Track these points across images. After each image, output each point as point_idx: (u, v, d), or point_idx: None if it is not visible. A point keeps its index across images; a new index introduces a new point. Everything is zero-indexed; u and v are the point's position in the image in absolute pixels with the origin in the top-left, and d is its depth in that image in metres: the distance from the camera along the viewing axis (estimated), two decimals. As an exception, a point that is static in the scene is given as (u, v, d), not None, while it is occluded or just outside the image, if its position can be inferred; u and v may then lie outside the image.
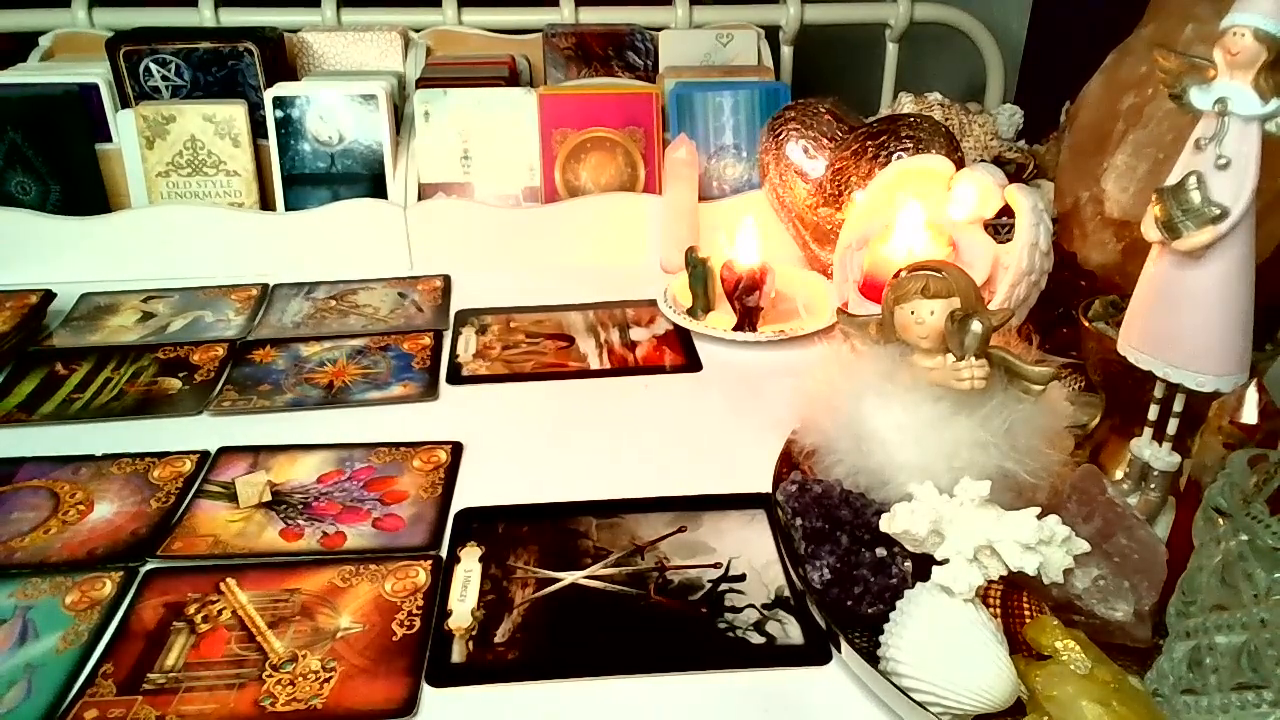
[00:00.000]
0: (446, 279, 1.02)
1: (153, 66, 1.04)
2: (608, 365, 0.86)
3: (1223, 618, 0.46)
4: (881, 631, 0.52)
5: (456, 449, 0.73)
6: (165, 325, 0.93)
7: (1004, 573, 0.50)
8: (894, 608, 0.52)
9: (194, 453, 0.73)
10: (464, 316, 0.95)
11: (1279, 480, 0.47)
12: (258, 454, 0.73)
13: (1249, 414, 0.61)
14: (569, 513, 0.66)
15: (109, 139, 1.05)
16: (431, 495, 0.68)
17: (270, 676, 0.53)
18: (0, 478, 0.70)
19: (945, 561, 0.51)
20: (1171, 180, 0.54)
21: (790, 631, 0.56)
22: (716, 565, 0.61)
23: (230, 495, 0.68)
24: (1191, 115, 0.54)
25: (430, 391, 0.81)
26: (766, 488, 0.66)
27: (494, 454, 0.73)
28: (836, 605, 0.55)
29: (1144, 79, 0.67)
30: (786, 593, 0.59)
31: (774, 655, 0.55)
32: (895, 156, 0.89)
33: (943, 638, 0.49)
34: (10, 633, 0.56)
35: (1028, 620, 0.52)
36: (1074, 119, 0.74)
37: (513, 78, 1.11)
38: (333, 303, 0.97)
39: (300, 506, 0.67)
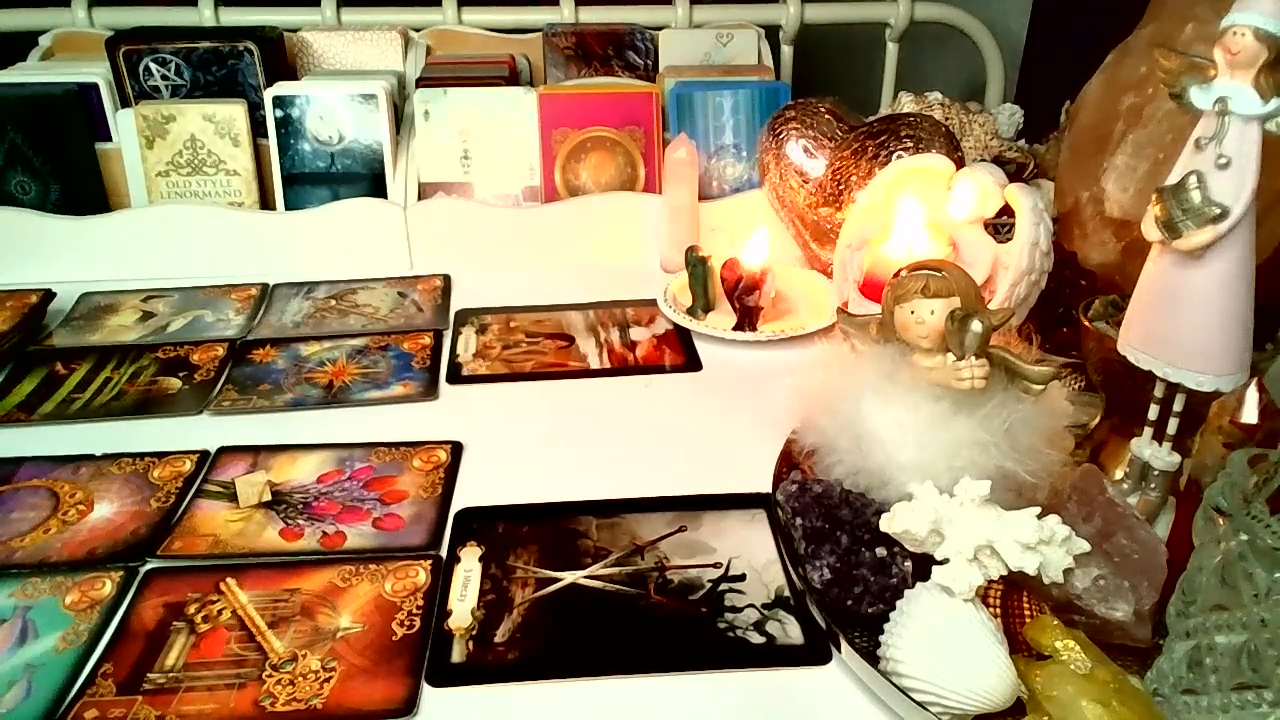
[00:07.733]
0: (446, 279, 1.02)
1: (153, 66, 1.04)
2: (608, 365, 0.86)
3: (1223, 618, 0.46)
4: (881, 631, 0.52)
5: (456, 449, 0.73)
6: (165, 325, 0.93)
7: (1004, 573, 0.50)
8: (894, 608, 0.52)
9: (194, 452, 0.73)
10: (464, 316, 0.95)
11: (1279, 480, 0.47)
12: (258, 454, 0.73)
13: (1249, 414, 0.61)
14: (569, 512, 0.66)
15: (109, 139, 1.05)
16: (431, 495, 0.68)
17: (270, 676, 0.53)
18: (0, 478, 0.70)
19: (945, 561, 0.51)
20: (1171, 180, 0.54)
21: (790, 631, 0.56)
22: (716, 565, 0.61)
23: (230, 495, 0.68)
24: (1191, 115, 0.54)
25: (430, 391, 0.81)
26: (766, 488, 0.66)
27: (494, 454, 0.73)
28: (836, 605, 0.55)
29: (1144, 79, 0.67)
30: (786, 593, 0.59)
31: (774, 655, 0.55)
32: (895, 156, 0.89)
33: (943, 638, 0.49)
34: (10, 633, 0.56)
35: (1028, 620, 0.52)
36: (1074, 119, 0.74)
37: (513, 77, 1.11)
38: (333, 302, 0.97)
39: (300, 506, 0.67)
